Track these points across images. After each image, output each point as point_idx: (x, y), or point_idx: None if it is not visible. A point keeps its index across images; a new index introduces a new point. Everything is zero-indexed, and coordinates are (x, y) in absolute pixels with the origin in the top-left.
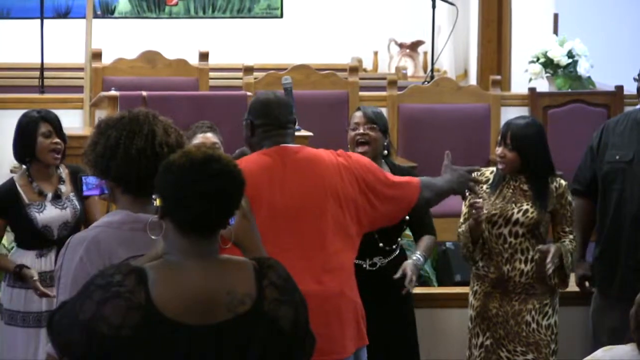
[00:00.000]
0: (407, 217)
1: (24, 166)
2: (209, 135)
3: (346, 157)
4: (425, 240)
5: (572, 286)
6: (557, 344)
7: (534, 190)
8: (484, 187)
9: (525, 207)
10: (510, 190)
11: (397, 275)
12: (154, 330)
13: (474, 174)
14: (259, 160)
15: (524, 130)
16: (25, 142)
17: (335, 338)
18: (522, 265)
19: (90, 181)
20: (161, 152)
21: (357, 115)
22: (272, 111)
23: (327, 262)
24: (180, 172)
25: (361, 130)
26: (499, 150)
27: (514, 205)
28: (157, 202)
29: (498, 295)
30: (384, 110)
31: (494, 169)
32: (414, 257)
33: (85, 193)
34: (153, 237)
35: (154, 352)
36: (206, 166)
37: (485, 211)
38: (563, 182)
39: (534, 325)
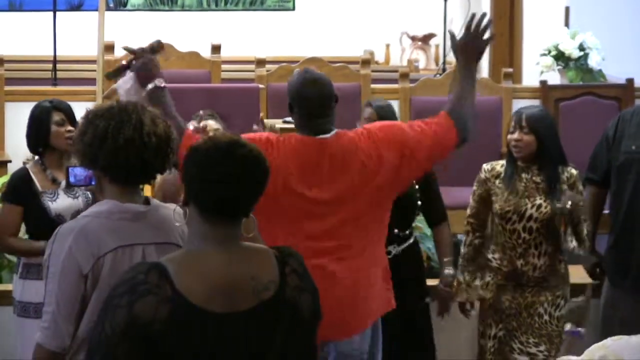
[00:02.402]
0: (420, 202)
1: (36, 157)
2: (211, 122)
3: (374, 135)
4: (444, 237)
5: (581, 278)
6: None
7: (546, 180)
8: (497, 182)
9: (538, 201)
10: (523, 184)
11: (428, 300)
12: (185, 319)
13: None
14: (293, 148)
15: (539, 114)
16: (38, 131)
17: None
18: (536, 260)
19: (78, 172)
20: (149, 142)
21: (368, 112)
22: (303, 99)
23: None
24: (205, 156)
25: None
26: (514, 135)
27: (527, 201)
28: (146, 192)
29: (511, 287)
30: (395, 103)
31: (504, 162)
32: (446, 273)
33: (73, 183)
34: (177, 224)
35: (186, 340)
36: (231, 150)
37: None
38: (574, 171)
39: (546, 317)
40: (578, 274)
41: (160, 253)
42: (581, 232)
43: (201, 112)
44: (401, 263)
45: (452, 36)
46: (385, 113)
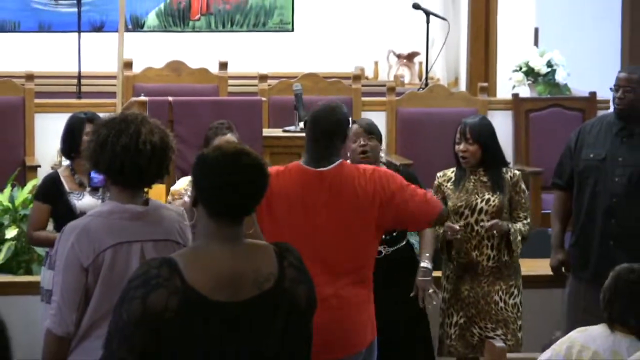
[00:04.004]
0: None
1: (64, 163)
2: (228, 136)
3: (375, 176)
4: (428, 236)
5: (545, 270)
6: (522, 320)
7: (492, 179)
8: (448, 184)
9: (487, 196)
10: (472, 184)
11: (412, 294)
12: (193, 309)
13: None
14: (294, 178)
15: (480, 124)
16: (72, 139)
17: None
18: (489, 251)
19: (97, 176)
20: (144, 149)
21: (355, 128)
22: (314, 116)
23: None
24: (214, 164)
25: (362, 142)
26: (460, 147)
27: (477, 196)
28: (147, 194)
29: (469, 278)
30: (383, 114)
31: (454, 168)
32: (422, 266)
33: (92, 185)
34: (186, 223)
35: (194, 327)
36: (237, 159)
37: (458, 236)
38: (517, 172)
39: (501, 304)
40: (530, 267)
41: (157, 249)
42: (513, 242)
43: (216, 123)
44: (392, 262)
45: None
46: (370, 128)
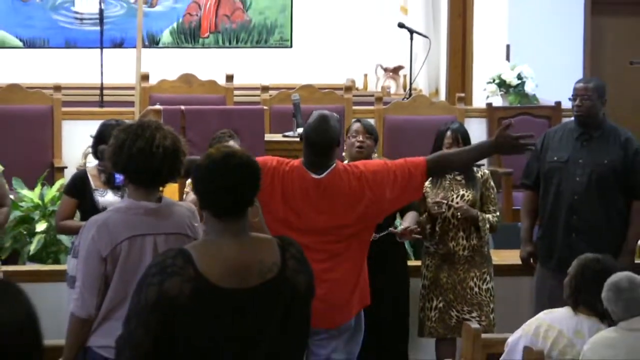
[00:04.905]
0: None
1: (88, 165)
2: (231, 143)
3: (360, 174)
4: (410, 215)
5: (516, 260)
6: (494, 304)
7: (466, 177)
8: (426, 183)
9: (462, 192)
10: (448, 182)
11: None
12: (204, 295)
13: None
14: (289, 170)
15: (465, 130)
16: (101, 143)
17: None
18: (464, 241)
19: (119, 176)
20: (157, 152)
21: (357, 126)
22: (310, 135)
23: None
24: (206, 171)
25: (360, 138)
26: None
27: (453, 193)
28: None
29: (446, 266)
30: (372, 121)
31: None
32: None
33: (116, 184)
34: (195, 224)
35: (205, 311)
36: (226, 162)
37: (443, 209)
38: (486, 171)
39: (476, 289)
40: (503, 257)
41: (169, 241)
42: (482, 228)
43: (219, 132)
44: (379, 246)
45: (508, 126)
46: (370, 128)
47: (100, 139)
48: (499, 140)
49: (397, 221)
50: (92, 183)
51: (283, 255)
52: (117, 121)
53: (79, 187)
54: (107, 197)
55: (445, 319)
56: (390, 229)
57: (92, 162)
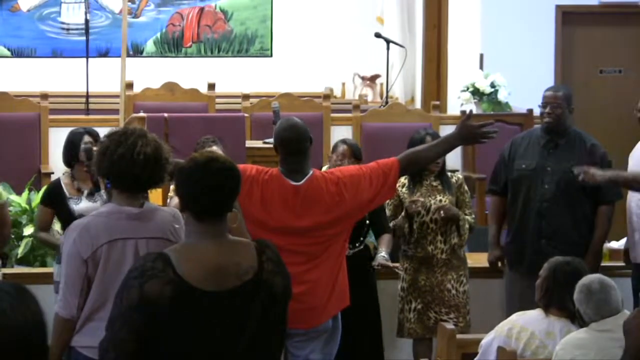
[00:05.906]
0: (368, 222)
1: (69, 170)
2: (214, 148)
3: (341, 181)
4: (386, 238)
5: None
6: (470, 305)
7: (442, 183)
8: (403, 189)
9: (439, 197)
10: (424, 188)
11: (375, 264)
12: (184, 297)
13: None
14: (269, 179)
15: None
16: (71, 149)
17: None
18: (442, 245)
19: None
20: (137, 159)
21: (343, 148)
22: (281, 134)
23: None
24: (188, 173)
25: (346, 163)
26: None
27: (430, 198)
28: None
29: (425, 270)
30: (350, 128)
31: (406, 176)
32: (381, 255)
33: (107, 188)
34: (176, 225)
35: (185, 312)
36: (208, 166)
37: (420, 208)
38: (460, 176)
39: (453, 292)
40: (476, 260)
41: (150, 245)
42: (462, 226)
43: (203, 138)
44: (353, 261)
45: (469, 116)
46: (357, 152)
47: (70, 145)
48: (463, 131)
49: (371, 238)
50: (66, 191)
51: (260, 257)
52: (86, 128)
53: (54, 196)
54: (81, 205)
55: (424, 320)
56: (374, 263)
57: (65, 171)
